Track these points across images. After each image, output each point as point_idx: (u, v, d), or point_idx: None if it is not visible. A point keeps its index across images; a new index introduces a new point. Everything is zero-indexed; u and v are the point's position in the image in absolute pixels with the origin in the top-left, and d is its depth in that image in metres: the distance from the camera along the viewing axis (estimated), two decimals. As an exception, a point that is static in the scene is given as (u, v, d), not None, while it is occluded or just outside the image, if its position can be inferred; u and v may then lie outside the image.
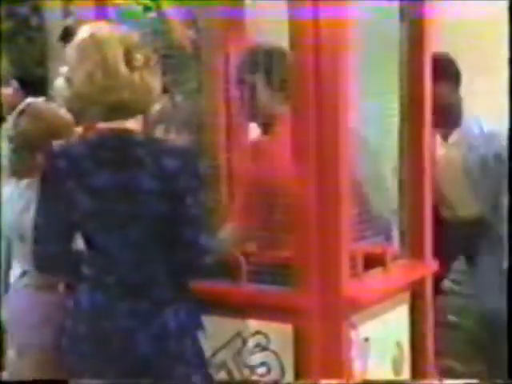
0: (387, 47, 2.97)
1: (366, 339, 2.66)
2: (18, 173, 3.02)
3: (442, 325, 3.70)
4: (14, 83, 4.51)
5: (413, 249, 2.98)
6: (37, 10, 6.46)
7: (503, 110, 3.19)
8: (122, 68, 2.29)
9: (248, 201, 2.88)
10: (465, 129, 3.75)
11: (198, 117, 3.28)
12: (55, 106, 2.97)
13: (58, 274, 2.72)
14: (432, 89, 2.95)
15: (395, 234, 3.04)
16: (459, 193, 3.79)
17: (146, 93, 2.34)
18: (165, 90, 2.88)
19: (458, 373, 3.89)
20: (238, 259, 2.63)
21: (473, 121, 3.76)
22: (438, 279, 3.15)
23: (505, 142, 3.09)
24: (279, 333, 2.56)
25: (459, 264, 4.15)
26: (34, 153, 2.92)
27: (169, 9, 3.72)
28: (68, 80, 2.33)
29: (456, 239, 3.78)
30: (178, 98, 3.37)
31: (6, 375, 3.15)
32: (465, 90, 3.83)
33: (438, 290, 3.32)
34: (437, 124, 3.11)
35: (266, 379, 2.59)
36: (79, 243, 2.47)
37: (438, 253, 2.96)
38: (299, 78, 2.49)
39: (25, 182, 3.00)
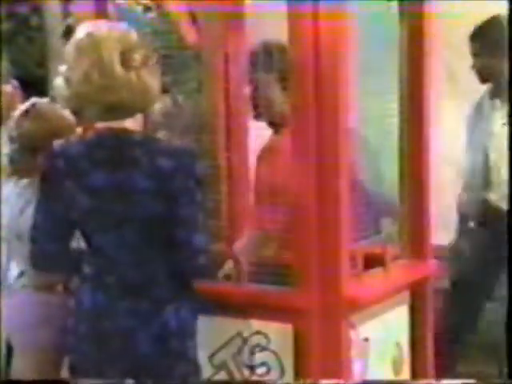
0: (387, 47, 2.97)
1: (366, 339, 2.66)
2: (19, 173, 3.02)
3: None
4: (14, 82, 4.51)
5: (413, 249, 2.98)
6: (37, 10, 6.46)
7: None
8: (118, 68, 2.28)
9: (269, 204, 2.84)
10: None
11: (199, 117, 3.28)
12: (59, 106, 2.97)
13: (55, 272, 2.73)
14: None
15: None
16: None
17: (144, 92, 2.34)
18: (165, 90, 2.88)
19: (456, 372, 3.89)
20: (238, 259, 2.63)
21: None
22: None
23: None
24: (279, 333, 2.55)
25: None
26: (36, 153, 2.92)
27: (173, 6, 3.71)
28: (66, 79, 2.33)
29: None
30: (179, 98, 3.36)
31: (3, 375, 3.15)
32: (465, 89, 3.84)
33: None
34: None
35: (265, 379, 2.59)
36: (79, 242, 2.47)
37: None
38: (299, 78, 2.49)
39: (24, 181, 3.00)
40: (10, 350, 3.14)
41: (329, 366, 2.50)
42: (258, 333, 2.59)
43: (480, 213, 3.90)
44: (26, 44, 6.43)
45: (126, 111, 2.35)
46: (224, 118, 3.21)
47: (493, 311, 3.90)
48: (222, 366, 2.66)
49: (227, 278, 2.80)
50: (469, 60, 3.90)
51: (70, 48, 2.34)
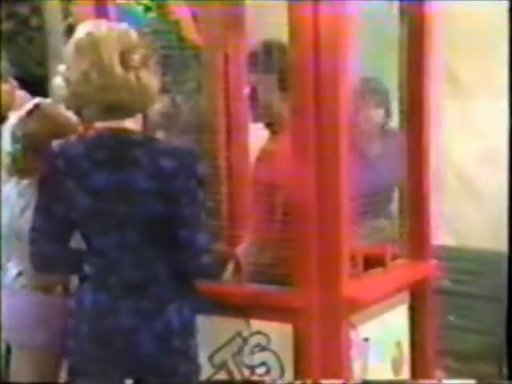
0: (387, 47, 2.98)
1: (366, 339, 2.66)
2: (21, 173, 3.02)
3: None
4: (13, 82, 4.50)
5: (413, 249, 2.98)
6: (37, 10, 6.45)
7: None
8: (118, 68, 2.28)
9: (267, 206, 2.82)
10: None
11: (198, 117, 3.27)
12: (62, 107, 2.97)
13: (54, 272, 2.73)
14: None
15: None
16: None
17: (143, 92, 2.33)
18: (164, 90, 2.88)
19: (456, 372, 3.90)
20: (239, 260, 2.63)
21: None
22: None
23: None
24: (279, 333, 2.56)
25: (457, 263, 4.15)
26: (39, 153, 2.91)
27: (176, 7, 3.71)
28: (66, 79, 2.33)
29: None
30: (178, 99, 3.36)
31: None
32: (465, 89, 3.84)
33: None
34: None
35: (265, 379, 2.59)
36: (79, 242, 2.47)
37: None
38: (299, 78, 2.49)
39: (25, 181, 3.00)
40: (9, 350, 3.14)
41: (329, 365, 2.50)
42: (258, 333, 2.59)
43: None
44: (25, 44, 6.42)
45: (126, 111, 2.35)
46: (224, 117, 3.21)
47: (493, 311, 3.90)
48: (222, 366, 2.67)
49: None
50: (469, 60, 3.90)
51: (69, 48, 2.34)
